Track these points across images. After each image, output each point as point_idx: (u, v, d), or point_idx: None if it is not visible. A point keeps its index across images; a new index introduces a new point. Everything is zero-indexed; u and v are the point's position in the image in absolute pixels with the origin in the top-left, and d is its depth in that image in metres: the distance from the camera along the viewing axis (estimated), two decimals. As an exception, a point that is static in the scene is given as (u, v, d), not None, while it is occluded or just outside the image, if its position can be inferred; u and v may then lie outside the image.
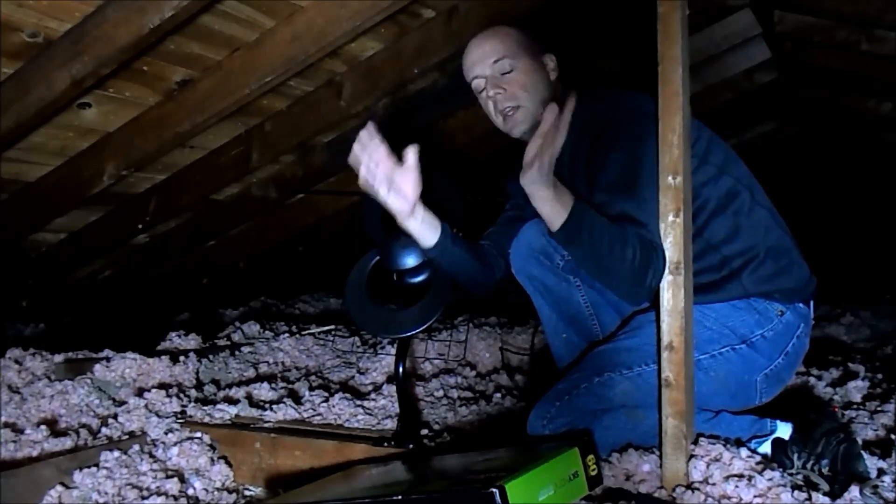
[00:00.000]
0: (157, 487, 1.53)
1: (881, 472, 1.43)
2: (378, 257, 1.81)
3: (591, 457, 1.31)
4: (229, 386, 2.26)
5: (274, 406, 2.01)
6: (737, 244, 1.54)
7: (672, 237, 1.39)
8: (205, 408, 1.97)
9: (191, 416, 1.93)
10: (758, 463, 1.37)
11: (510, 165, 1.83)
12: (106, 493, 1.50)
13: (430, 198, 1.84)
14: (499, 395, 2.22)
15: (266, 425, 1.89)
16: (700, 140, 1.57)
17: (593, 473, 1.31)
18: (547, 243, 1.71)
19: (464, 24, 2.20)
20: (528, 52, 1.64)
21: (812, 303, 1.62)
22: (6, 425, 1.81)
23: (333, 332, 2.97)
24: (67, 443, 1.73)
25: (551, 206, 1.44)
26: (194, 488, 1.60)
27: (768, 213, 1.59)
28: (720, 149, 1.60)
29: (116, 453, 1.63)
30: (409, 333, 1.74)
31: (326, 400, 2.09)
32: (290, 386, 2.27)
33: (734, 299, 1.53)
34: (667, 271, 1.39)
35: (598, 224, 1.44)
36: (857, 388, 2.08)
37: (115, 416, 1.91)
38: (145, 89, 2.06)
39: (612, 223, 1.44)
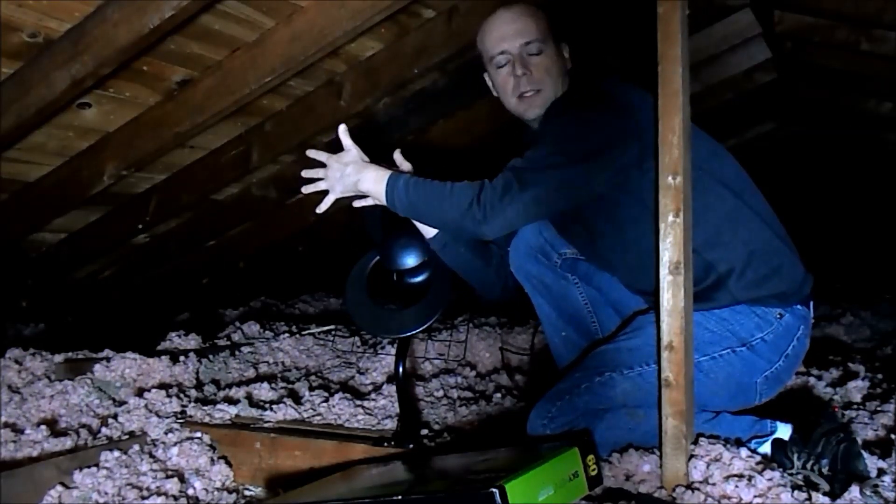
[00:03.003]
0: (157, 487, 1.53)
1: (881, 471, 1.43)
2: (378, 257, 1.81)
3: (591, 457, 1.31)
4: (229, 386, 2.26)
5: (274, 406, 2.01)
6: (719, 249, 1.51)
7: (672, 237, 1.39)
8: (205, 408, 1.97)
9: (191, 416, 1.93)
10: (758, 463, 1.37)
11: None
12: (106, 493, 1.50)
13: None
14: (499, 395, 2.22)
15: (266, 425, 1.89)
16: None
17: (593, 473, 1.31)
18: (545, 242, 1.72)
19: (464, 23, 2.20)
20: (553, 39, 1.64)
21: (811, 303, 1.60)
22: (6, 425, 1.81)
23: (333, 332, 2.96)
24: (67, 443, 1.73)
25: (372, 186, 1.59)
26: (194, 488, 1.60)
27: (755, 215, 1.55)
28: (702, 147, 1.57)
29: (116, 453, 1.63)
30: (409, 333, 1.74)
31: (326, 400, 2.09)
32: (290, 386, 2.27)
33: (725, 307, 1.52)
34: (666, 271, 1.39)
35: (413, 184, 1.55)
36: (857, 388, 2.08)
37: (115, 416, 1.91)
38: (145, 89, 2.06)
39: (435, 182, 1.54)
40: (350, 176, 1.61)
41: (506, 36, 1.61)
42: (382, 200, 1.59)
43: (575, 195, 1.52)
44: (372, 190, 1.60)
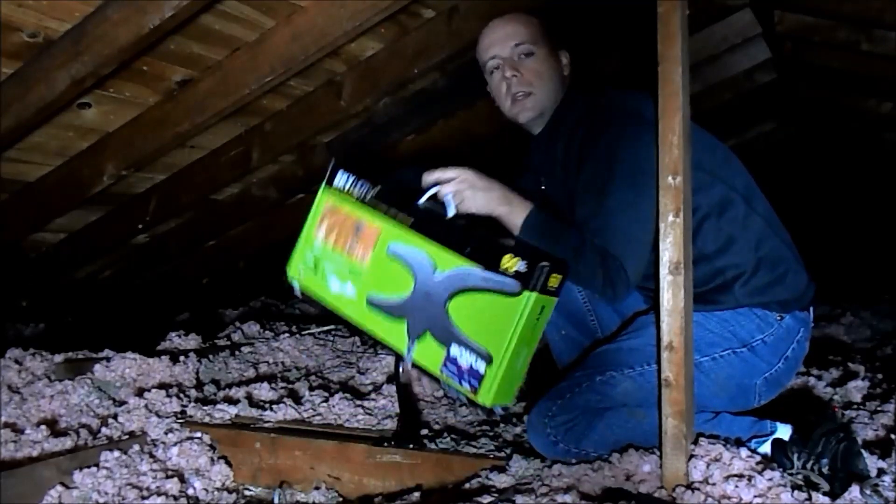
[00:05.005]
0: (157, 487, 1.53)
1: (881, 471, 1.43)
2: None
3: (554, 276, 1.28)
4: (229, 386, 2.26)
5: (274, 406, 2.00)
6: (729, 256, 1.52)
7: (672, 237, 1.39)
8: (205, 408, 1.97)
9: (191, 416, 1.93)
10: (758, 463, 1.37)
11: (515, 165, 1.83)
12: (106, 493, 1.50)
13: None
14: (499, 395, 2.22)
15: (266, 425, 1.89)
16: (693, 144, 1.56)
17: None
18: None
19: (464, 23, 2.19)
20: (547, 42, 1.65)
21: (812, 307, 1.61)
22: (6, 425, 1.81)
23: (333, 332, 2.97)
24: (67, 443, 1.73)
25: (507, 212, 1.51)
26: (194, 488, 1.60)
27: (764, 223, 1.57)
28: (716, 155, 1.57)
29: (116, 453, 1.63)
30: (409, 333, 1.74)
31: (326, 400, 2.09)
32: (290, 386, 2.27)
33: (727, 310, 1.53)
34: (666, 271, 1.39)
35: (547, 225, 1.49)
36: (857, 388, 2.08)
37: (115, 416, 1.91)
38: (145, 89, 2.06)
39: (572, 232, 1.49)
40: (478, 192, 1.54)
41: (496, 41, 1.63)
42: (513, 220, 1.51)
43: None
44: (503, 212, 1.51)
